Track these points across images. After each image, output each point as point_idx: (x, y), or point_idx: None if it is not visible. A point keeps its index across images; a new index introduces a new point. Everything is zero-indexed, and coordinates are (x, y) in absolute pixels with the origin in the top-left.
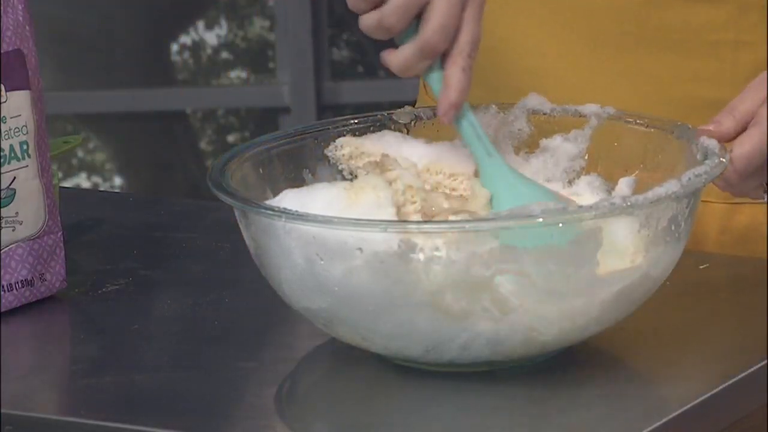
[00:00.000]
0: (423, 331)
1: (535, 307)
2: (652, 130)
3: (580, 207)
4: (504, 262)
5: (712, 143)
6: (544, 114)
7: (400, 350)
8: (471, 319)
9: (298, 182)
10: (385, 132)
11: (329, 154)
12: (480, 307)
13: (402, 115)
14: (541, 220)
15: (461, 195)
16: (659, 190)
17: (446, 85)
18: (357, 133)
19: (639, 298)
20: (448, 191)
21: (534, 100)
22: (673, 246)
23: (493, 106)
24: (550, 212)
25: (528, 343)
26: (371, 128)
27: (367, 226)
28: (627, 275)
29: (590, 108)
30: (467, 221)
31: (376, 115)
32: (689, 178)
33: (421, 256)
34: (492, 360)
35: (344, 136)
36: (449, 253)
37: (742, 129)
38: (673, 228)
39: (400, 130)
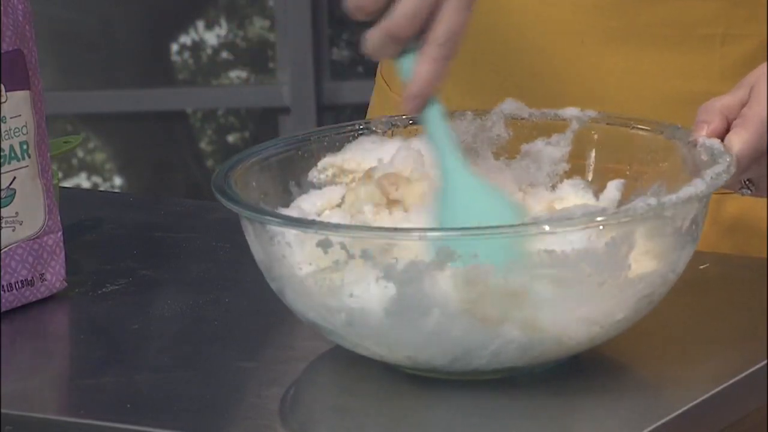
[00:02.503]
0: (454, 340)
1: (568, 312)
2: (637, 131)
3: (616, 210)
4: (540, 267)
5: (715, 142)
6: (523, 119)
7: (425, 361)
8: (506, 325)
9: (304, 187)
10: (362, 139)
11: (313, 179)
12: (514, 314)
13: (379, 124)
14: (583, 224)
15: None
16: (689, 190)
17: (414, 74)
18: (338, 144)
19: (658, 299)
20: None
21: (511, 105)
22: (691, 246)
23: (469, 112)
24: (588, 215)
25: (558, 347)
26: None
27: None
28: (655, 277)
29: (570, 111)
30: (505, 227)
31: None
32: (711, 177)
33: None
34: (518, 366)
35: (326, 153)
36: (484, 260)
37: (728, 125)
38: (693, 228)
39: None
